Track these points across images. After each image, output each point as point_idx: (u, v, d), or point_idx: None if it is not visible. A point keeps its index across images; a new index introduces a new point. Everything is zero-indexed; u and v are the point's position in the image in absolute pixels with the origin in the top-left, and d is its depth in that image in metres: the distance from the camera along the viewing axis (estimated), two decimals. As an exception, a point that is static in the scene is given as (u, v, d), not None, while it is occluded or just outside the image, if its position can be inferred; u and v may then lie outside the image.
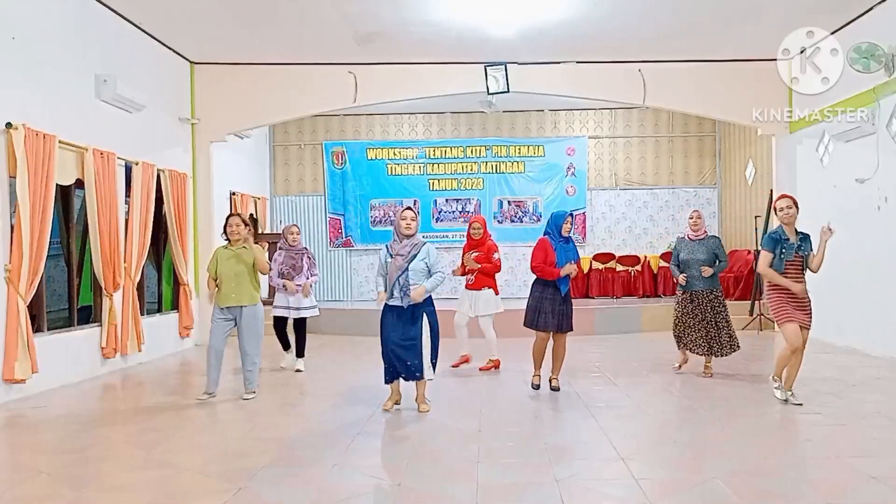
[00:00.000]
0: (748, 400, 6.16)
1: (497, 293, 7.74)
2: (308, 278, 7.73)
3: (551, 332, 6.38)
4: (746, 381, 6.95)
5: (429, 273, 5.62)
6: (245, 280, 6.20)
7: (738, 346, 7.03)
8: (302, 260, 7.73)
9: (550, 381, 6.55)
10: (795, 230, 5.75)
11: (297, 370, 7.74)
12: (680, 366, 7.35)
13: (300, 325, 7.80)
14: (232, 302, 6.19)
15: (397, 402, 5.87)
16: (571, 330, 6.43)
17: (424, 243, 5.67)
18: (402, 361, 5.64)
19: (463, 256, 7.74)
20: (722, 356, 7.02)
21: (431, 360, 5.72)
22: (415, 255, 5.57)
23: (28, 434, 5.54)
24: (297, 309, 7.67)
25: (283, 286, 7.63)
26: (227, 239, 6.30)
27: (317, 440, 5.03)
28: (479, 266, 7.55)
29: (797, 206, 5.75)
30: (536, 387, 6.52)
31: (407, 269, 5.54)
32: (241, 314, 6.22)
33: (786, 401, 5.74)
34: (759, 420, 5.52)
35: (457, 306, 7.84)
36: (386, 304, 5.66)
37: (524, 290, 13.79)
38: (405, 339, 5.60)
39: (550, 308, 6.33)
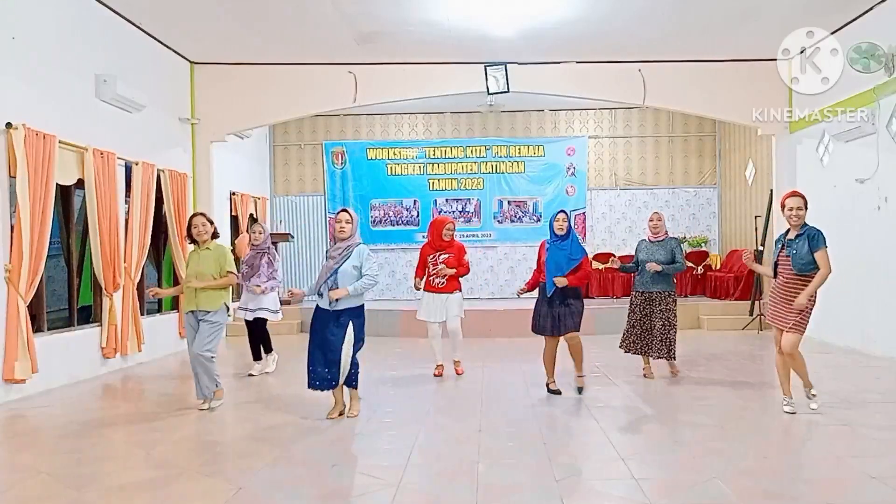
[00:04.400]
0: (748, 400, 6.16)
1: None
2: (267, 280, 7.45)
3: (554, 336, 6.27)
4: (746, 382, 6.95)
5: (359, 276, 5.44)
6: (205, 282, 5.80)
7: (673, 356, 6.94)
8: (261, 259, 7.50)
9: (575, 380, 6.42)
10: (805, 224, 5.38)
11: (266, 372, 7.53)
12: (646, 374, 7.10)
13: (256, 326, 7.55)
14: (191, 306, 5.83)
15: (342, 413, 5.60)
16: (569, 332, 6.18)
17: (359, 244, 5.51)
18: (322, 367, 5.41)
19: (422, 263, 7.31)
20: (656, 358, 6.95)
21: (351, 372, 5.50)
22: (346, 258, 5.42)
23: (28, 434, 5.54)
24: (253, 310, 7.47)
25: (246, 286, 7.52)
26: (193, 241, 5.95)
27: (316, 440, 5.03)
28: (454, 271, 7.18)
29: (806, 207, 5.38)
30: (552, 391, 6.37)
31: (336, 271, 5.39)
32: (200, 319, 5.82)
33: (787, 406, 5.48)
34: (759, 420, 5.52)
35: (424, 315, 7.30)
36: (316, 306, 5.52)
37: (524, 289, 13.91)
38: (327, 345, 5.39)
39: (546, 311, 6.24)
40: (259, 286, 7.39)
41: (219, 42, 9.58)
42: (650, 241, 7.06)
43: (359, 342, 5.52)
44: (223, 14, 8.50)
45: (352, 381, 5.56)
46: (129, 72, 8.42)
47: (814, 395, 5.56)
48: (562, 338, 6.29)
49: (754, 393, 6.47)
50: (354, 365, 5.53)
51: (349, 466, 4.42)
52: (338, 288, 5.36)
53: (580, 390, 6.35)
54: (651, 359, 7.06)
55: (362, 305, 5.57)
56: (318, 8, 8.33)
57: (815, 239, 5.28)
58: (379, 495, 3.92)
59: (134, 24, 8.69)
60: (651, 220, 7.08)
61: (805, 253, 5.28)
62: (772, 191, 10.88)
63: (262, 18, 8.68)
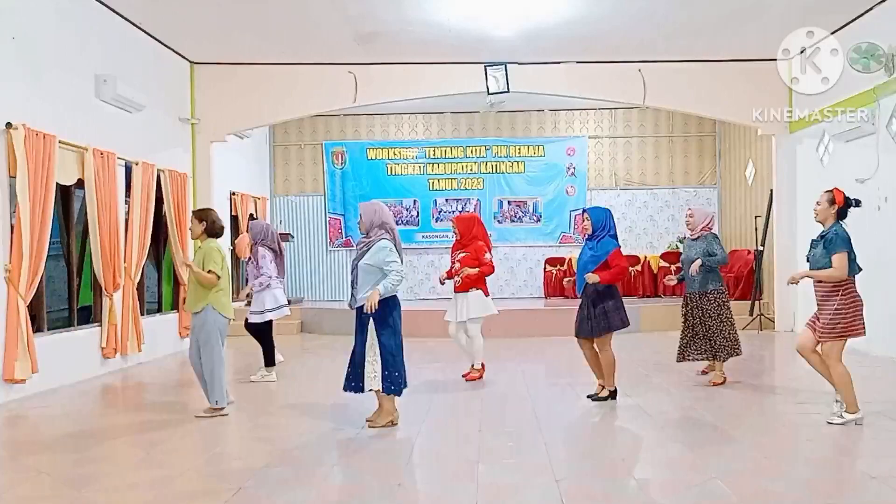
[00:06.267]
0: (748, 400, 6.17)
1: (487, 294, 7.07)
2: (255, 279, 7.27)
3: (581, 337, 6.04)
4: (747, 382, 6.94)
5: (381, 273, 5.05)
6: (192, 284, 5.61)
7: (737, 352, 6.58)
8: (256, 260, 7.33)
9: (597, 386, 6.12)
10: (834, 224, 5.06)
11: (252, 380, 7.18)
12: (705, 371, 6.91)
13: (252, 332, 7.32)
14: (187, 307, 5.75)
15: (393, 423, 5.27)
16: (589, 335, 5.94)
17: (380, 239, 5.07)
18: (349, 368, 5.21)
19: (452, 265, 7.18)
20: (716, 360, 6.61)
21: (384, 374, 5.06)
22: (364, 253, 5.11)
23: (28, 434, 5.54)
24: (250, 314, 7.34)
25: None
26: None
27: (316, 440, 5.03)
28: (476, 271, 6.93)
29: (830, 202, 5.04)
30: (589, 396, 6.11)
31: (357, 267, 5.15)
32: (194, 321, 5.67)
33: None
34: (759, 420, 5.53)
35: (447, 315, 7.21)
36: None
37: (523, 289, 13.93)
38: (355, 346, 5.18)
39: (577, 313, 6.06)
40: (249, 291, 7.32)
41: (219, 42, 9.58)
42: (689, 238, 6.79)
43: (384, 348, 5.06)
44: (223, 14, 8.50)
45: (388, 387, 5.08)
46: (129, 72, 8.42)
47: (841, 416, 5.09)
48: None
49: (754, 393, 6.47)
50: (387, 367, 5.06)
51: (349, 466, 4.42)
52: (357, 286, 5.13)
53: (590, 397, 6.03)
54: (709, 360, 6.71)
55: (385, 300, 5.04)
56: (318, 8, 8.33)
57: (830, 242, 4.97)
58: (379, 495, 3.92)
59: (134, 24, 8.69)
60: (686, 218, 6.84)
61: (819, 256, 5.02)
62: (772, 191, 10.87)
63: (262, 18, 8.68)
